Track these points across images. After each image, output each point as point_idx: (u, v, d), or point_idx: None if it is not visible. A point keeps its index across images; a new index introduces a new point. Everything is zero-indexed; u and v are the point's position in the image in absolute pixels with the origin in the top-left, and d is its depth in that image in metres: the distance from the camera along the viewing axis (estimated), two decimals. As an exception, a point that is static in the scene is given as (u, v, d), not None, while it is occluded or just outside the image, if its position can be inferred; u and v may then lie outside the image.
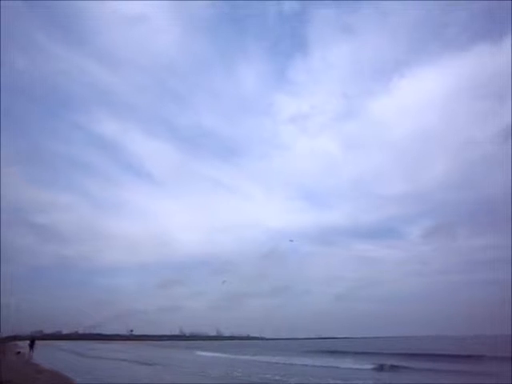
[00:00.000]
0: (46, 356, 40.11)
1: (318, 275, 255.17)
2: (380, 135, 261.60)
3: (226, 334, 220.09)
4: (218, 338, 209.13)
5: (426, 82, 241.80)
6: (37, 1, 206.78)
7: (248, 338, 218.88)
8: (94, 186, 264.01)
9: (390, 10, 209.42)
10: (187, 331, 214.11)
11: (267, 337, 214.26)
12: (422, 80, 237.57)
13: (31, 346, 41.05)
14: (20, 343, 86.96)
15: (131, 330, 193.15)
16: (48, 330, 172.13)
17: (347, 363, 33.04)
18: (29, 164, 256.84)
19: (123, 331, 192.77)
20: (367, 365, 30.41)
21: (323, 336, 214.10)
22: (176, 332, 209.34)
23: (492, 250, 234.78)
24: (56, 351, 56.50)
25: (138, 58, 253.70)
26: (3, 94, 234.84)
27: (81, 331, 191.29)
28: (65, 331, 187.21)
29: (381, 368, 28.69)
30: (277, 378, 22.23)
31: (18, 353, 39.97)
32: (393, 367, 28.75)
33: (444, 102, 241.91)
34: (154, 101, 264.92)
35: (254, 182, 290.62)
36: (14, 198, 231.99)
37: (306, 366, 32.58)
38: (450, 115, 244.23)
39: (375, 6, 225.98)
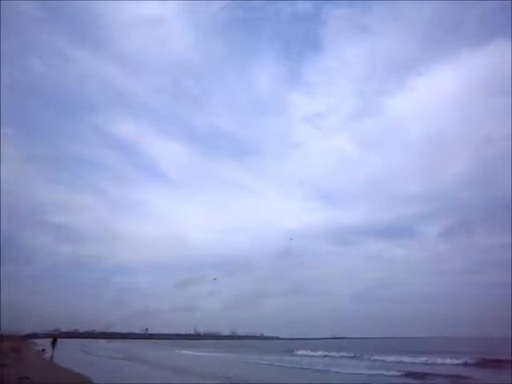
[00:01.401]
0: (63, 354, 40.31)
1: (333, 275, 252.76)
2: (396, 134, 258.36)
3: (240, 333, 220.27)
4: (232, 337, 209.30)
5: (442, 80, 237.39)
6: (55, 5, 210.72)
7: (262, 337, 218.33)
8: (111, 187, 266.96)
9: (405, 8, 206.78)
10: (202, 330, 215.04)
11: (281, 336, 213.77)
12: (438, 78, 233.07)
13: (53, 344, 41.30)
14: (38, 341, 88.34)
15: (146, 329, 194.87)
16: (65, 329, 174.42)
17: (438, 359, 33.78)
18: (48, 165, 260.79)
19: (139, 330, 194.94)
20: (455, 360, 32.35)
21: (338, 336, 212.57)
22: (190, 331, 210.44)
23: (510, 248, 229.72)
24: (73, 350, 56.91)
25: (154, 61, 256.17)
26: (24, 98, 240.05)
27: (97, 330, 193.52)
28: (82, 330, 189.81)
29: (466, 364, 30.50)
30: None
31: (43, 350, 40.24)
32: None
33: (461, 99, 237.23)
34: (170, 102, 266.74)
35: (270, 182, 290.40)
36: (33, 199, 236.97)
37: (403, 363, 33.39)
38: (467, 113, 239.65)
39: (389, 5, 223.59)
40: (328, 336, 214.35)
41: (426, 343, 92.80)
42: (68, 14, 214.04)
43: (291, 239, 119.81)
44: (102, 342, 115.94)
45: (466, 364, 30.48)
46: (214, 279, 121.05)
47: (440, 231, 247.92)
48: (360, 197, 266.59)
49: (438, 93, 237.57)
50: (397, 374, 23.91)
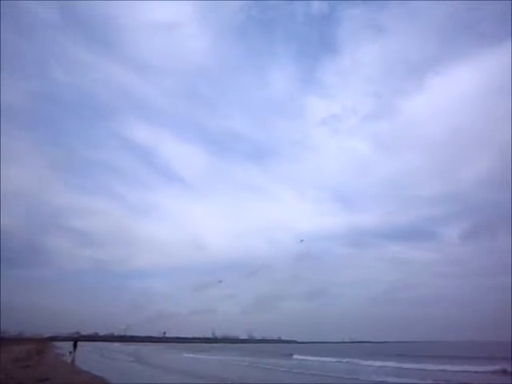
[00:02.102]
0: (82, 357, 41.19)
1: (350, 278, 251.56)
2: (413, 135, 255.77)
3: (258, 337, 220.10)
4: (249, 341, 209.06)
5: (460, 79, 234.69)
6: (73, 12, 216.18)
7: (280, 341, 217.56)
8: (128, 191, 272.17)
9: (420, 7, 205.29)
10: (219, 334, 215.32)
11: (299, 340, 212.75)
12: (456, 77, 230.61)
13: (74, 347, 42.22)
14: (60, 344, 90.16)
15: (164, 333, 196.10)
16: (85, 332, 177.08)
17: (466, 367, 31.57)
18: (66, 170, 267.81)
19: (156, 333, 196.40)
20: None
21: (356, 340, 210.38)
22: (208, 335, 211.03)
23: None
24: (89, 352, 57.96)
25: (169, 64, 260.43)
26: (44, 105, 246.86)
27: (116, 333, 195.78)
28: (101, 333, 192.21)
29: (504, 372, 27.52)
30: None
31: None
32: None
33: (479, 98, 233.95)
34: (186, 105, 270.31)
35: (285, 185, 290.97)
36: (52, 204, 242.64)
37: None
38: (486, 112, 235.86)
39: (404, 4, 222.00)
40: (346, 340, 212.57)
41: (448, 348, 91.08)
42: (85, 20, 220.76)
43: (301, 241, 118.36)
44: (116, 345, 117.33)
45: (505, 372, 27.32)
46: (220, 281, 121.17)
47: (459, 233, 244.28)
48: (377, 199, 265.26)
49: (456, 92, 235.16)
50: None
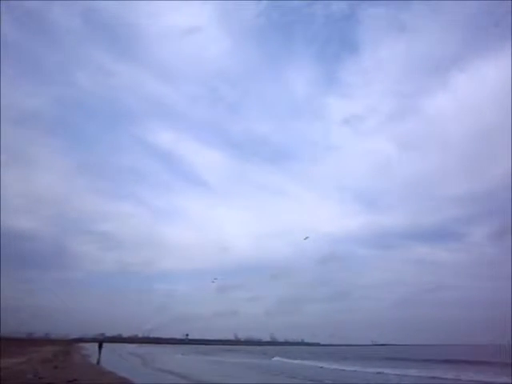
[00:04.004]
0: (108, 358, 41.44)
1: (375, 280, 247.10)
2: (438, 134, 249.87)
3: (281, 339, 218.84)
4: (272, 343, 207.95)
5: (485, 76, 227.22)
6: (95, 19, 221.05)
7: (302, 343, 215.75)
8: (152, 195, 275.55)
9: (443, 3, 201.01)
10: (242, 336, 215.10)
11: (322, 342, 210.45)
12: (481, 73, 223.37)
13: (100, 348, 42.48)
14: (85, 345, 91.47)
15: (187, 335, 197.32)
16: (109, 334, 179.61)
17: None
18: (92, 175, 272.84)
19: (180, 335, 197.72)
20: None
21: (379, 343, 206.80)
22: (231, 337, 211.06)
23: None
24: (117, 354, 58.39)
25: (190, 69, 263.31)
26: (69, 111, 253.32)
27: (140, 335, 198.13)
28: (125, 335, 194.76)
29: None
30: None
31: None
32: None
33: (506, 95, 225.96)
34: (207, 109, 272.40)
35: (307, 186, 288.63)
36: (79, 208, 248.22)
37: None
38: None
39: (426, 1, 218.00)
40: (369, 343, 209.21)
41: (476, 352, 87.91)
42: (108, 26, 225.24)
43: (306, 238, 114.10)
44: (132, 346, 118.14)
45: None
46: (215, 279, 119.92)
47: (489, 233, 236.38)
48: (401, 199, 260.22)
49: (482, 89, 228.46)
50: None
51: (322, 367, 37.97)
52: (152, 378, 23.96)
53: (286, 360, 51.33)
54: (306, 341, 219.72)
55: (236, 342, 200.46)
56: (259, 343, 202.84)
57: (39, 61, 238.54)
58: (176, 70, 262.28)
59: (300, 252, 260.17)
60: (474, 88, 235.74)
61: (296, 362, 47.72)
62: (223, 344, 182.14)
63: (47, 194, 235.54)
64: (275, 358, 56.19)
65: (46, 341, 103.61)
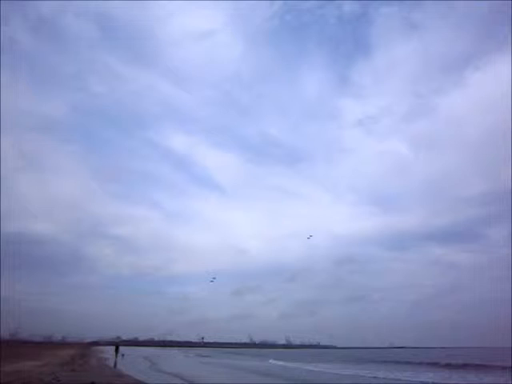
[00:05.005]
0: (125, 361, 41.55)
1: (392, 282, 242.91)
2: (454, 133, 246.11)
3: (296, 342, 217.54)
4: (287, 346, 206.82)
5: (501, 73, 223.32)
6: (109, 25, 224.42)
7: (318, 346, 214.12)
8: (166, 199, 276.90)
9: (455, 2, 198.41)
10: (257, 339, 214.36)
11: (338, 345, 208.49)
12: (497, 71, 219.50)
13: (116, 351, 42.65)
14: (102, 348, 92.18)
15: (202, 338, 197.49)
16: (125, 337, 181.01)
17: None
18: (107, 180, 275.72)
19: (195, 338, 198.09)
20: None
21: (396, 345, 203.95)
22: (246, 340, 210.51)
23: None
24: (133, 357, 58.54)
25: (204, 73, 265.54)
26: (84, 117, 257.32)
27: (156, 338, 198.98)
28: (141, 338, 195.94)
29: None
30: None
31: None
32: None
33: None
34: (221, 113, 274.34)
35: (322, 188, 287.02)
36: (94, 212, 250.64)
37: None
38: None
39: (439, 0, 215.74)
40: (387, 345, 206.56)
41: (495, 355, 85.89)
42: (122, 33, 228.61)
43: (310, 236, 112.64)
44: (147, 349, 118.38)
45: None
46: (214, 278, 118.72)
47: (506, 234, 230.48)
48: (417, 200, 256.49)
49: (499, 87, 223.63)
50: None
51: (311, 370, 38.16)
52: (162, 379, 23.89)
53: (279, 362, 52.34)
54: (321, 343, 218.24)
55: (251, 345, 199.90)
56: (274, 346, 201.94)
57: (55, 68, 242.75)
58: (189, 74, 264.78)
59: (315, 254, 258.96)
60: (489, 86, 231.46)
61: (289, 364, 48.40)
62: (238, 347, 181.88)
63: (64, 199, 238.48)
64: (270, 361, 57.52)
65: (64, 344, 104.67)
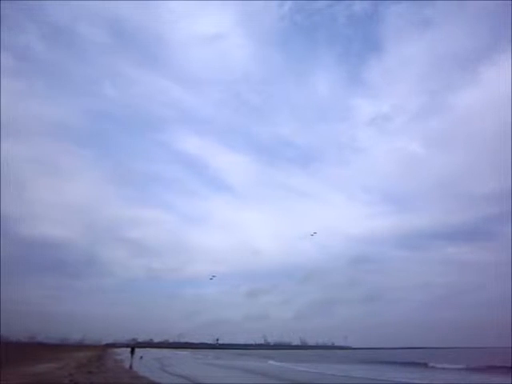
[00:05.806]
0: (140, 363, 42.02)
1: (406, 281, 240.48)
2: (468, 130, 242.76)
3: (311, 343, 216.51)
4: (302, 347, 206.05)
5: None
6: (119, 30, 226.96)
7: (333, 347, 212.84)
8: (179, 201, 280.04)
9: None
10: (272, 340, 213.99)
11: (353, 346, 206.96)
12: (510, 67, 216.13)
13: (132, 353, 43.16)
14: (118, 350, 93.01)
15: (217, 339, 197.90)
16: (141, 339, 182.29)
17: None
18: (120, 183, 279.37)
19: (210, 340, 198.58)
20: None
21: (409, 346, 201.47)
22: (261, 341, 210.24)
23: None
24: (149, 359, 59.03)
25: (214, 75, 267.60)
26: (97, 121, 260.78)
27: (171, 340, 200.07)
28: (156, 340, 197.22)
29: None
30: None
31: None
32: None
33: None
34: (232, 114, 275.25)
35: (334, 188, 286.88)
36: (108, 216, 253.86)
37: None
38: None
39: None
40: (403, 345, 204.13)
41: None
42: (134, 38, 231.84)
43: (313, 234, 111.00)
44: (162, 351, 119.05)
45: None
46: (213, 276, 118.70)
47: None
48: (430, 199, 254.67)
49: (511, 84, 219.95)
50: None
51: (303, 370, 38.80)
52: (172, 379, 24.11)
53: (277, 363, 53.19)
54: (336, 344, 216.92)
55: (265, 346, 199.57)
56: (289, 347, 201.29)
57: (68, 74, 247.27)
58: (200, 76, 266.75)
59: (329, 254, 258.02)
60: (503, 83, 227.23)
61: (287, 365, 48.93)
62: (253, 348, 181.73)
63: (78, 203, 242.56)
64: (269, 362, 58.59)
65: (80, 346, 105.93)
